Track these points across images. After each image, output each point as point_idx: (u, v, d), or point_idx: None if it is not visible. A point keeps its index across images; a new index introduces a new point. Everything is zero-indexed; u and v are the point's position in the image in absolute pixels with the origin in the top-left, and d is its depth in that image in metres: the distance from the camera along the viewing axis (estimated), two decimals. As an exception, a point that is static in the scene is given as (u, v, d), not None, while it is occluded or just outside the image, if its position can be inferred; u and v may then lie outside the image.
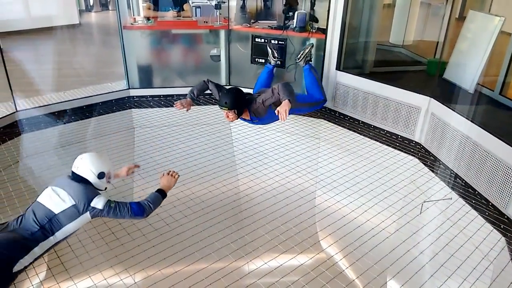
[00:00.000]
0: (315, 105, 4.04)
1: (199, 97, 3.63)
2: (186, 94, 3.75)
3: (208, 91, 3.74)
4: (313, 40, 5.14)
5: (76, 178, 2.38)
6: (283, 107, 3.15)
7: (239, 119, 3.63)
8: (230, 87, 3.49)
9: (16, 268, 2.09)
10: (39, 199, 2.33)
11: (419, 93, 4.36)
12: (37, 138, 4.29)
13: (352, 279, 2.63)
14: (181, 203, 3.30)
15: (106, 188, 2.49)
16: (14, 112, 4.63)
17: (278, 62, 4.15)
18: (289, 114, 3.53)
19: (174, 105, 3.50)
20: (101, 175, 2.40)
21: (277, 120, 3.60)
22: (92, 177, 2.38)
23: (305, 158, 4.07)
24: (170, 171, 2.72)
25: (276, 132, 4.59)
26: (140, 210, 2.40)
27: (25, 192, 3.31)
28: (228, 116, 3.31)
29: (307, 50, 4.08)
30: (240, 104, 3.27)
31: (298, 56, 4.10)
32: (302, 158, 4.06)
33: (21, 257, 2.11)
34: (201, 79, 3.77)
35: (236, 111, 3.26)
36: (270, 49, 4.15)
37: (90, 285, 2.47)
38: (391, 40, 6.18)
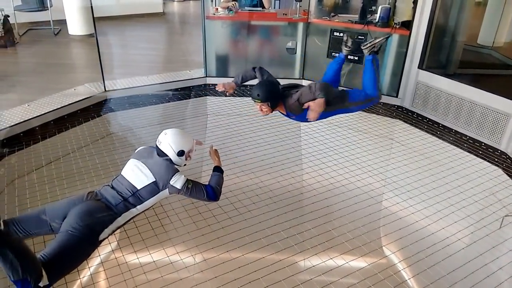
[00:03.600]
0: (367, 103, 3.57)
1: (244, 84, 3.44)
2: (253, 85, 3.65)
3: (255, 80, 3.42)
4: (396, 36, 4.95)
5: (159, 152, 2.51)
6: (316, 104, 2.89)
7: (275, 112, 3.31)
8: (265, 80, 3.23)
9: (102, 236, 2.27)
10: (124, 173, 2.51)
11: (509, 99, 4.02)
12: (122, 118, 4.62)
13: (422, 286, 2.53)
14: (249, 190, 3.37)
15: (185, 165, 2.59)
16: (103, 92, 5.02)
17: (349, 53, 3.62)
18: (338, 114, 3.46)
19: (216, 87, 3.34)
20: (180, 153, 2.49)
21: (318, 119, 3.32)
22: (171, 154, 2.49)
23: (377, 158, 3.95)
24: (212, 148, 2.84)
25: (347, 129, 4.50)
26: (215, 194, 2.51)
27: (109, 165, 3.59)
28: (261, 110, 3.08)
29: (377, 41, 3.49)
30: (273, 97, 3.04)
31: (365, 43, 3.52)
32: (374, 157, 3.95)
33: (107, 226, 2.29)
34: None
35: (269, 104, 3.05)
36: (348, 37, 3.62)
37: (163, 257, 2.63)
38: (479, 40, 5.75)
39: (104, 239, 2.31)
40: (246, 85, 5.51)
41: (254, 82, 3.26)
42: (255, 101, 3.07)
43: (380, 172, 3.70)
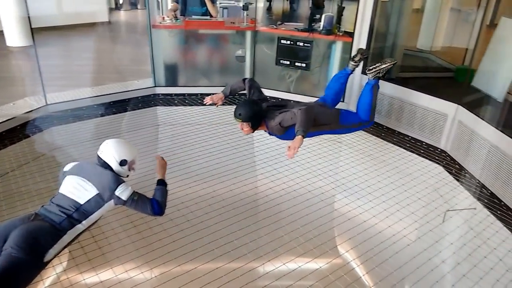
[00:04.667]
0: (359, 126, 3.40)
1: (232, 95, 3.34)
2: (209, 94, 3.59)
3: (244, 91, 3.38)
4: (339, 43, 5.12)
5: (101, 162, 2.43)
6: (294, 144, 2.72)
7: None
8: (249, 99, 3.20)
9: (47, 257, 2.15)
10: (63, 191, 2.39)
11: (447, 100, 4.28)
12: (65, 132, 4.42)
13: (371, 285, 2.61)
14: (202, 200, 3.33)
15: (128, 176, 2.52)
16: (44, 105, 4.79)
17: (355, 67, 3.38)
18: (326, 134, 3.43)
19: (204, 100, 3.30)
20: (122, 162, 2.44)
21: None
22: (113, 163, 2.43)
23: (326, 161, 4.05)
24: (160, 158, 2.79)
25: (298, 134, 4.58)
26: (160, 209, 2.45)
27: (52, 183, 3.41)
28: (242, 129, 3.04)
29: (383, 66, 3.24)
30: (255, 117, 3.00)
31: (371, 67, 3.29)
32: (323, 161, 4.05)
33: (51, 246, 2.18)
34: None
35: (251, 124, 3.00)
36: (358, 53, 3.39)
37: (112, 277, 2.53)
38: (418, 45, 6.08)
39: (50, 260, 2.20)
40: (197, 94, 5.51)
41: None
42: (236, 120, 3.02)
43: (329, 175, 3.80)
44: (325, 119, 3.15)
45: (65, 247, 2.29)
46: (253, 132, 3.11)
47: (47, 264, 2.20)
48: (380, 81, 4.83)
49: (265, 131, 3.20)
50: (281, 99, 5.54)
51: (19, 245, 2.06)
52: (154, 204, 2.44)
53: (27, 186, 3.38)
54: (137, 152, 2.58)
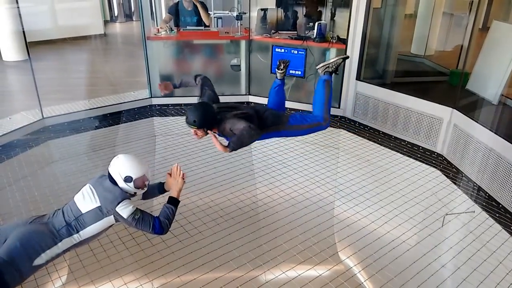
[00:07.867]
0: (313, 127, 3.25)
1: (181, 87, 3.28)
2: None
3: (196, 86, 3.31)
4: (333, 50, 5.15)
5: (109, 177, 2.40)
6: (219, 147, 2.80)
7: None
8: (199, 102, 3.05)
9: (37, 262, 2.14)
10: (75, 197, 2.38)
11: (442, 104, 4.30)
12: (62, 145, 4.42)
13: (371, 291, 2.60)
14: (200, 210, 3.33)
15: (135, 193, 2.43)
16: (41, 119, 4.79)
17: (283, 75, 3.38)
18: (278, 136, 3.38)
19: (158, 87, 3.27)
20: (127, 179, 2.35)
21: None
22: (118, 179, 2.36)
23: (324, 168, 4.05)
24: (175, 172, 2.57)
25: (295, 141, 4.59)
26: (161, 229, 2.34)
27: (50, 197, 3.40)
28: (196, 134, 2.94)
29: (332, 61, 3.25)
30: (209, 122, 2.90)
31: (320, 63, 3.33)
32: (321, 168, 4.05)
33: (43, 251, 2.17)
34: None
35: (205, 128, 2.91)
36: (280, 62, 3.39)
37: (111, 290, 2.52)
38: (412, 50, 6.14)
39: (41, 265, 2.18)
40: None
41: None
42: (190, 127, 2.91)
43: (327, 182, 3.80)
44: (273, 121, 3.07)
45: (59, 255, 2.27)
46: (206, 135, 2.99)
47: (38, 269, 2.19)
48: (375, 86, 4.94)
49: (215, 132, 3.05)
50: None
51: (11, 246, 2.08)
52: (156, 223, 2.33)
53: (24, 201, 3.37)
54: (147, 169, 2.45)
